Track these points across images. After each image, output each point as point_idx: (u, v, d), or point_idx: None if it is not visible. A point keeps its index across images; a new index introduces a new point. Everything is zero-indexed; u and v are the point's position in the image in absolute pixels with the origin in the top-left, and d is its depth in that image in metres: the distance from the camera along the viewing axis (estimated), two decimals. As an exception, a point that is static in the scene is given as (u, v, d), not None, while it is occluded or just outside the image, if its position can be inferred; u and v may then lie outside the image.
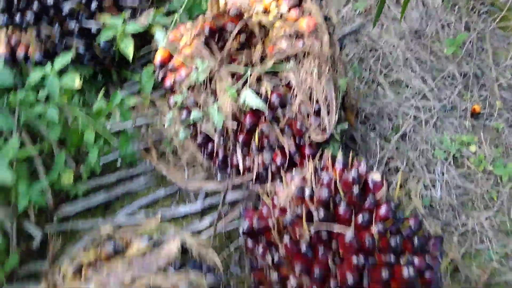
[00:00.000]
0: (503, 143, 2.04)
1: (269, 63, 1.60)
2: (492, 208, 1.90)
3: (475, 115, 2.10)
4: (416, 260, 1.33)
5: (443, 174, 1.96)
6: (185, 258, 1.30)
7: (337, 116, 1.59)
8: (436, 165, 1.98)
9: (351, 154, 1.47)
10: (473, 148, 1.98)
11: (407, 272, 1.26)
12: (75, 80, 1.62)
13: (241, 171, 1.69)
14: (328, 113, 1.59)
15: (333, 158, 1.47)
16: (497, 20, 2.37)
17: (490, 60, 2.26)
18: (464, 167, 1.98)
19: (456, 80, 2.19)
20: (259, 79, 1.62)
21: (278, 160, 1.62)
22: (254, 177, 1.68)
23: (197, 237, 1.59)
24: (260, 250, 1.43)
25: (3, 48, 1.85)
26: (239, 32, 1.66)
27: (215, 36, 1.70)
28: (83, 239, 1.78)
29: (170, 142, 1.93)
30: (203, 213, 1.88)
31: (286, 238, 1.34)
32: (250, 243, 1.48)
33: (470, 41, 2.29)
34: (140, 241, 1.27)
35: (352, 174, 1.35)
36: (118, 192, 1.92)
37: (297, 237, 1.33)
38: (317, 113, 1.59)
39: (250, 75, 1.59)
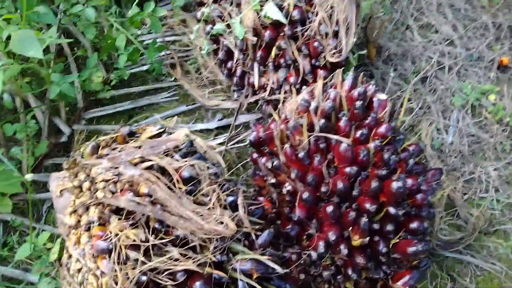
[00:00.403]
0: (526, 98, 2.02)
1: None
2: (503, 159, 1.91)
3: (502, 67, 2.08)
4: (408, 180, 1.38)
5: (458, 121, 1.97)
6: (193, 151, 1.40)
7: (355, 39, 1.62)
8: (452, 111, 1.98)
9: (361, 75, 1.50)
10: (492, 97, 1.97)
11: (395, 185, 1.31)
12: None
13: (256, 89, 1.76)
14: (347, 35, 1.62)
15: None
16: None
17: (528, 14, 2.20)
18: (481, 117, 1.98)
19: (488, 31, 2.16)
20: (283, -6, 1.65)
21: (292, 79, 1.68)
22: (267, 95, 1.74)
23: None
24: (264, 158, 1.52)
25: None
26: None
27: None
28: (105, 136, 1.92)
29: (194, 61, 2.02)
30: (217, 132, 1.98)
31: (286, 146, 1.41)
32: (255, 154, 1.57)
33: (511, -7, 2.23)
34: (154, 127, 1.38)
35: (357, 91, 1.40)
36: (142, 103, 2.04)
37: (297, 144, 1.40)
38: (336, 34, 1.62)
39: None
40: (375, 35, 1.91)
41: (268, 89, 1.75)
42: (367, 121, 1.39)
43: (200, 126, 1.99)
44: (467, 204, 1.80)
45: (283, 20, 1.60)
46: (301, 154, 1.37)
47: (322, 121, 1.36)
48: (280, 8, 1.63)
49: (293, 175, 1.36)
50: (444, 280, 1.65)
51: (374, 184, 1.31)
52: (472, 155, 1.91)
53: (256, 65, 1.73)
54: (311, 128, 1.38)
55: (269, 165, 1.43)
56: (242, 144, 1.89)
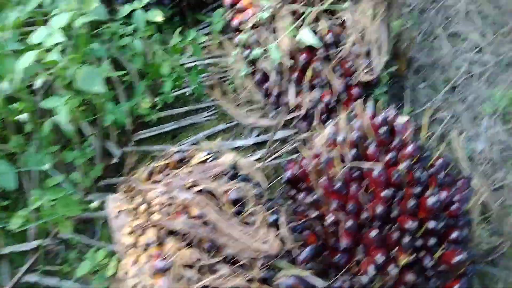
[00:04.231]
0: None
1: (327, 2, 1.73)
2: (535, 166, 1.95)
3: (532, 72, 2.11)
4: (442, 193, 1.47)
5: (488, 128, 2.01)
6: (238, 173, 1.54)
7: (386, 58, 1.71)
8: (482, 119, 2.04)
9: (379, 102, 1.59)
10: (524, 105, 2.02)
11: (431, 201, 1.40)
12: (158, 15, 1.87)
13: (292, 109, 1.87)
14: (379, 54, 1.71)
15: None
16: None
17: (559, 18, 2.21)
18: (511, 124, 2.02)
19: (519, 38, 2.19)
20: (317, 19, 1.75)
21: (326, 98, 1.78)
22: (302, 115, 1.85)
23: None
24: (302, 194, 1.62)
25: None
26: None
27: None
28: (154, 160, 2.08)
29: (232, 82, 2.15)
30: (255, 147, 2.09)
31: (322, 179, 1.51)
32: (292, 191, 1.68)
33: (541, -3, 2.24)
34: (202, 153, 1.52)
35: (379, 118, 1.50)
36: (185, 123, 2.18)
37: (332, 177, 1.50)
38: (368, 54, 1.71)
39: (309, 13, 1.73)
40: (405, 49, 1.99)
41: (304, 107, 1.86)
42: (393, 145, 1.48)
43: (239, 142, 2.11)
44: (499, 215, 1.85)
45: (317, 44, 1.71)
46: (337, 185, 1.48)
47: (353, 151, 1.46)
48: (315, 32, 1.73)
49: (334, 206, 1.46)
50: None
51: (411, 203, 1.41)
52: (502, 162, 1.96)
53: (291, 85, 1.84)
54: (342, 159, 1.49)
55: (309, 200, 1.54)
56: (278, 161, 2.00)
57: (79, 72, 1.51)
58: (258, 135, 2.11)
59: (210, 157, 1.52)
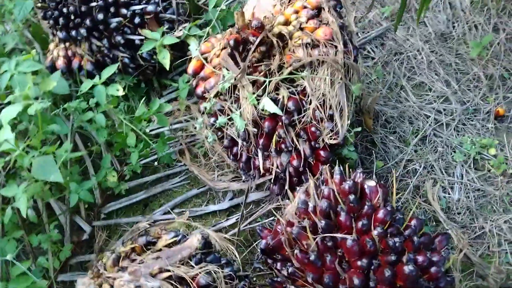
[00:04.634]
0: (527, 146, 2.06)
1: (285, 72, 1.74)
2: (512, 210, 1.94)
3: (498, 117, 2.13)
4: (418, 257, 1.43)
5: (462, 176, 2.01)
6: (208, 252, 1.48)
7: (349, 120, 1.71)
8: (455, 168, 2.03)
9: (346, 166, 1.59)
10: (493, 151, 2.02)
11: (408, 269, 1.36)
12: (118, 89, 1.85)
13: (263, 172, 1.85)
14: (341, 118, 1.71)
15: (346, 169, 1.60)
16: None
17: (518, 61, 2.26)
18: (484, 170, 2.03)
19: (481, 83, 2.22)
20: (277, 87, 1.76)
21: (295, 162, 1.76)
22: (273, 178, 1.83)
23: (222, 233, 1.76)
24: (278, 265, 1.58)
25: (61, 61, 2.12)
26: (260, 43, 1.80)
27: (240, 47, 1.85)
28: (125, 233, 2.01)
29: (201, 145, 2.12)
30: (229, 211, 2.05)
31: (296, 251, 1.47)
32: (268, 260, 1.64)
33: (498, 43, 2.30)
34: (168, 235, 1.46)
35: (347, 185, 1.48)
36: (156, 191, 2.13)
37: (305, 248, 1.46)
38: (331, 118, 1.71)
39: (269, 83, 1.73)
40: (370, 105, 1.99)
41: (274, 171, 1.83)
42: (364, 211, 1.46)
43: (213, 207, 2.06)
44: (482, 260, 1.81)
45: (279, 112, 1.70)
46: (312, 258, 1.44)
47: (323, 221, 1.43)
48: (275, 101, 1.73)
49: (310, 279, 1.42)
50: None
51: (387, 273, 1.37)
52: (480, 209, 1.95)
53: (259, 151, 1.82)
54: (314, 228, 1.46)
55: (285, 272, 1.50)
56: (255, 225, 1.95)
57: (34, 161, 1.46)
58: (231, 199, 2.07)
59: (178, 237, 1.47)
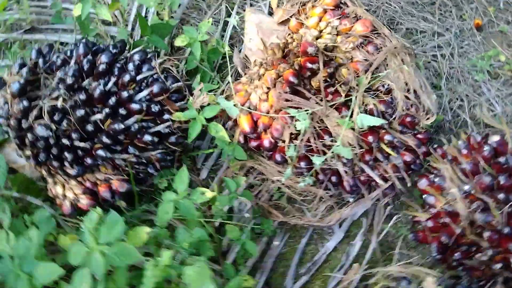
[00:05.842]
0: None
1: (365, 81, 1.67)
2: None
3: (480, 28, 2.35)
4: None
5: (490, 90, 2.20)
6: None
7: (434, 95, 1.73)
8: (480, 88, 2.21)
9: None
10: (503, 57, 2.24)
11: None
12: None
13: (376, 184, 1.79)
14: (428, 96, 1.72)
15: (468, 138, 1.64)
16: None
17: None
18: (503, 77, 2.23)
19: (448, 6, 2.40)
20: (362, 100, 1.69)
21: (407, 157, 1.74)
22: (390, 184, 1.78)
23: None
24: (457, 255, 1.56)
25: (85, 200, 1.68)
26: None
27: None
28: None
29: (281, 194, 1.93)
30: (349, 238, 1.90)
31: (487, 233, 1.49)
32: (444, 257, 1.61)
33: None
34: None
35: (487, 150, 1.56)
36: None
37: (492, 226, 1.49)
38: (418, 100, 1.72)
39: (355, 99, 1.65)
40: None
41: (392, 176, 1.76)
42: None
43: (331, 244, 1.87)
44: None
45: (381, 121, 1.64)
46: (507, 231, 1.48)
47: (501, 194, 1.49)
48: (367, 112, 1.66)
49: None
50: None
51: None
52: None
53: (366, 167, 1.75)
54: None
55: (484, 258, 1.50)
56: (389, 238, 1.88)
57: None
58: (340, 226, 1.91)
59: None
